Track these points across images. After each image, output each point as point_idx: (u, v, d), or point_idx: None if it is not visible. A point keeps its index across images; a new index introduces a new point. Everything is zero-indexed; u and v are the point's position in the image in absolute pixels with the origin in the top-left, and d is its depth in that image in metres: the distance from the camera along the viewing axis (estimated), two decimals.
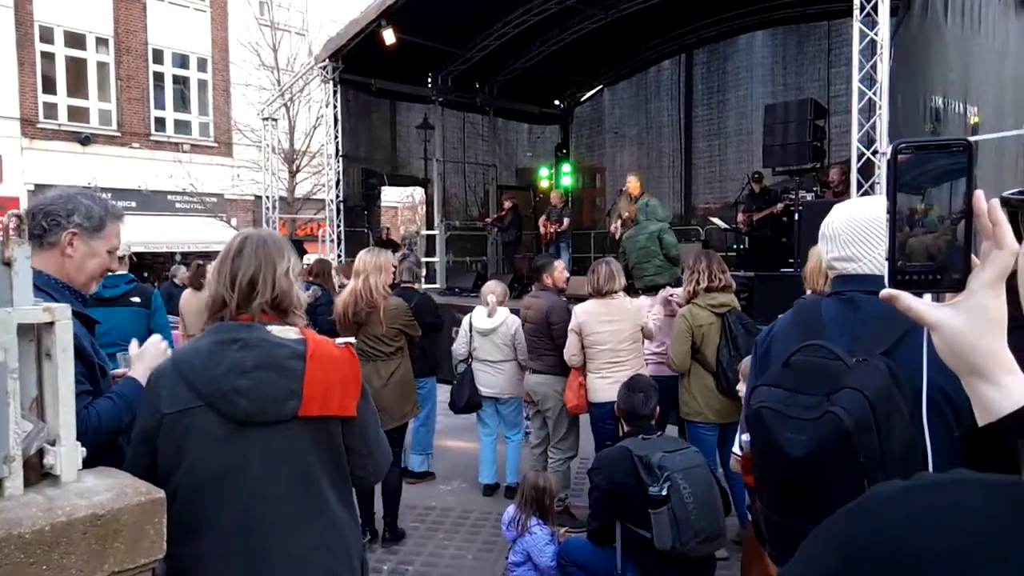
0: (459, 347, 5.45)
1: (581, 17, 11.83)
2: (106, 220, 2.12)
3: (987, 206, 0.78)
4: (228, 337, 1.71)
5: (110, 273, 2.20)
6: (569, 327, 4.63)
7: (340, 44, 11.20)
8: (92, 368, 1.85)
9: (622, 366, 4.43)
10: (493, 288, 5.36)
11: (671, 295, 4.83)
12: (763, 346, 1.86)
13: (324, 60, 11.53)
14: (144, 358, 2.01)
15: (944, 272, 0.79)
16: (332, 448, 1.73)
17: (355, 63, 11.44)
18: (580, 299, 5.01)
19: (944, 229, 0.80)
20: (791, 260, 8.11)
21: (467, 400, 5.32)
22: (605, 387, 4.43)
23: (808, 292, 3.19)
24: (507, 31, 11.84)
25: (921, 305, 0.78)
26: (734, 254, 11.06)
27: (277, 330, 1.74)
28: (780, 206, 9.07)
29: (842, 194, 7.83)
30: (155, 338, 2.11)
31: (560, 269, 5.20)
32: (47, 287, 1.88)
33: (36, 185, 15.53)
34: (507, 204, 12.60)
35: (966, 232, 0.79)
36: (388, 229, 14.49)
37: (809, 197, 9.01)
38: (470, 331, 5.38)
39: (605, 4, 11.38)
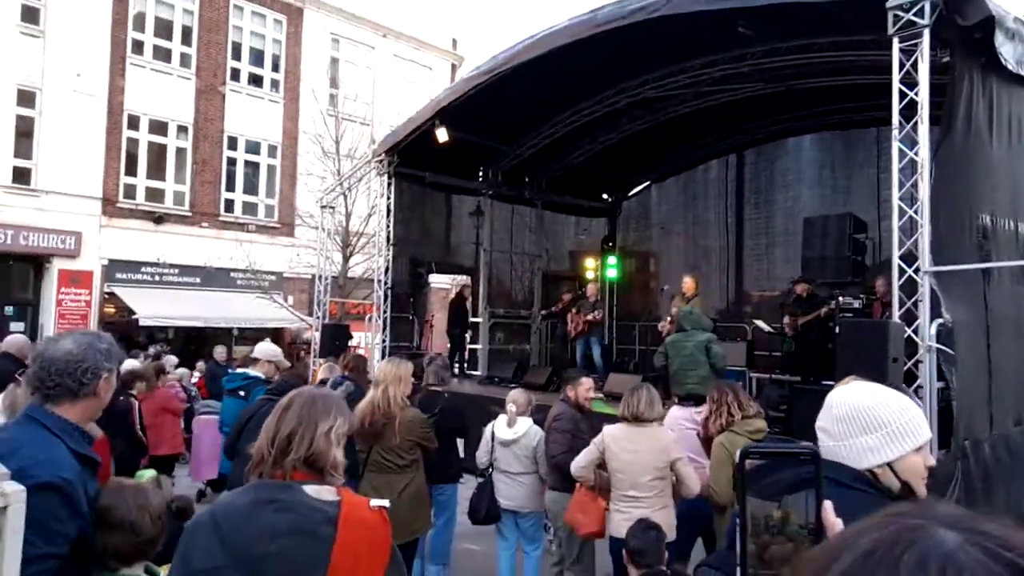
0: (480, 456, 5.42)
1: (629, 118, 12.15)
2: (118, 354, 2.26)
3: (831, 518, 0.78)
4: (267, 497, 1.75)
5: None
6: (593, 440, 4.55)
7: (396, 140, 11.76)
8: (80, 519, 1.92)
9: (641, 502, 4.29)
10: (515, 397, 5.35)
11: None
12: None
13: (381, 154, 12.09)
14: None
15: None
16: None
17: (410, 157, 11.96)
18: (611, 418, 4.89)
19: (803, 540, 0.80)
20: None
21: (486, 512, 5.25)
22: (620, 521, 4.30)
23: None
24: (557, 130, 12.23)
25: None
26: (779, 355, 10.82)
27: (313, 490, 1.78)
28: (824, 310, 8.89)
29: (888, 304, 7.62)
30: None
31: (586, 387, 5.15)
32: (60, 431, 1.99)
33: (110, 260, 16.52)
34: (566, 297, 12.67)
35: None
36: (434, 316, 14.71)
37: (855, 304, 8.82)
38: (492, 440, 5.36)
39: (652, 108, 11.68)
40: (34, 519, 1.66)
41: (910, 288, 6.30)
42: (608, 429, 4.54)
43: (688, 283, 9.70)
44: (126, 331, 15.98)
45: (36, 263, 15.90)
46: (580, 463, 4.54)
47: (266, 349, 6.73)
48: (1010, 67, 6.61)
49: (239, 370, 7.07)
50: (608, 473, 4.46)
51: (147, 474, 6.19)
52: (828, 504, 0.83)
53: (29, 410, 2.05)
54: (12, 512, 1.45)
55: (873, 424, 1.67)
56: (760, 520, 0.82)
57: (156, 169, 17.72)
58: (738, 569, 0.87)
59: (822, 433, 1.68)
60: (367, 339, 13.44)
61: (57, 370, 2.03)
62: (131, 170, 17.24)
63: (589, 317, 11.39)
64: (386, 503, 1.88)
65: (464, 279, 14.84)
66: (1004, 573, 0.47)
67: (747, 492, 0.84)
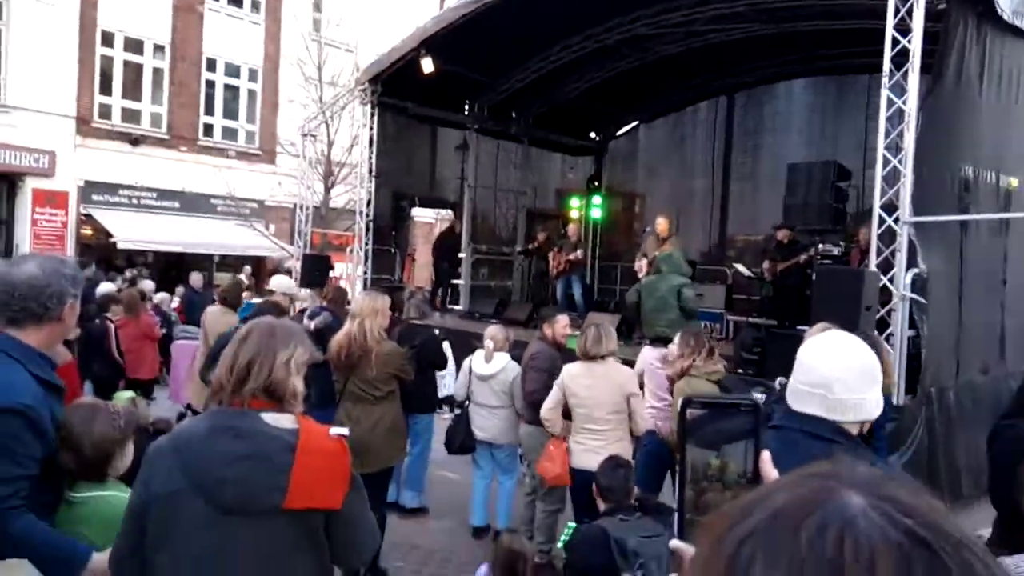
0: (458, 389, 5.51)
1: (619, 56, 11.89)
2: (81, 280, 2.23)
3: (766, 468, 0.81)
4: (224, 424, 1.78)
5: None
6: (555, 382, 4.64)
7: (380, 69, 11.44)
8: (45, 441, 1.93)
9: (598, 435, 4.40)
10: (493, 333, 5.41)
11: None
12: None
13: (364, 83, 11.78)
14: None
15: None
16: (315, 541, 1.79)
17: (394, 87, 11.67)
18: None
19: (741, 488, 0.83)
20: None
21: (461, 443, 5.37)
22: (579, 453, 4.43)
23: None
24: (545, 66, 11.96)
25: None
26: (758, 299, 10.98)
27: (271, 418, 1.79)
28: (804, 257, 8.97)
29: (866, 252, 7.71)
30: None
31: (563, 324, 5.22)
32: (21, 356, 1.97)
33: (86, 181, 16.16)
34: (541, 236, 12.68)
35: None
36: (415, 250, 14.68)
37: (835, 251, 8.91)
38: (469, 374, 5.44)
39: (643, 46, 11.43)
40: None
41: (889, 238, 6.37)
42: (567, 367, 4.65)
43: (662, 223, 9.67)
44: (104, 254, 15.79)
45: (8, 181, 15.50)
46: (548, 405, 4.65)
47: (280, 282, 6.77)
48: (1006, 16, 6.53)
49: (254, 300, 7.09)
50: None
51: (124, 395, 6.23)
52: (766, 454, 0.86)
53: None
54: None
55: (877, 377, 1.76)
56: (699, 468, 0.84)
57: (132, 89, 17.15)
58: (675, 515, 0.90)
59: (839, 385, 1.68)
60: (348, 270, 13.39)
61: (20, 295, 1.99)
62: (106, 89, 16.67)
63: (571, 256, 11.42)
64: (345, 431, 1.91)
65: (448, 213, 14.73)
66: (903, 540, 0.47)
67: (688, 440, 0.86)
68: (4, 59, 15.06)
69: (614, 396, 4.45)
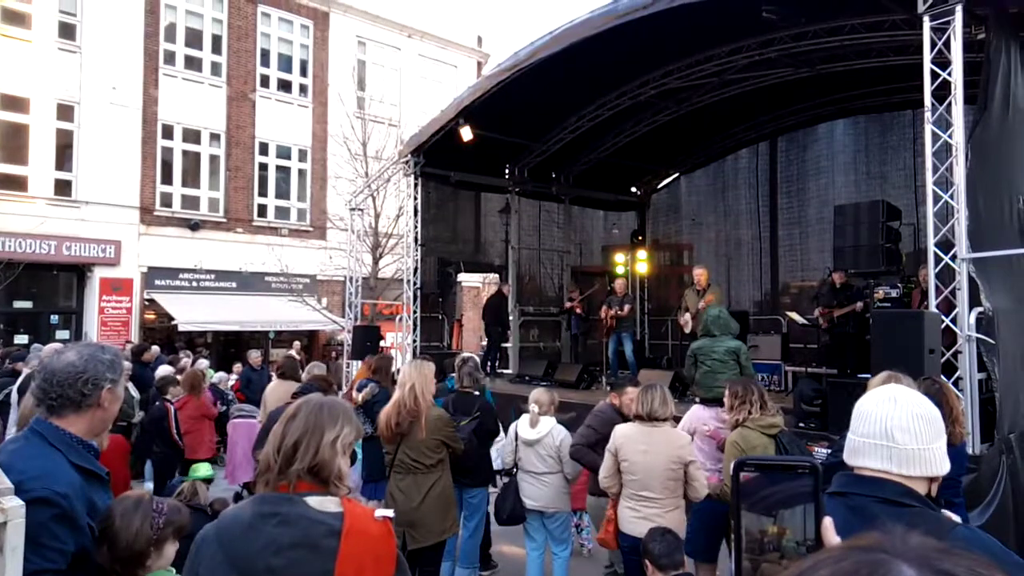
0: (505, 456, 5.39)
1: (655, 110, 11.98)
2: (121, 366, 2.27)
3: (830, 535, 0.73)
4: (269, 511, 1.75)
5: None
6: (607, 448, 4.48)
7: (421, 141, 11.79)
8: (80, 534, 1.92)
9: (653, 503, 4.20)
10: (538, 397, 5.30)
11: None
12: None
13: (407, 155, 12.14)
14: None
15: None
16: None
17: (435, 157, 11.98)
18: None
19: (800, 558, 0.75)
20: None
21: (510, 512, 5.22)
22: (630, 520, 4.24)
23: None
24: (582, 125, 12.13)
25: None
26: (815, 347, 10.58)
27: (316, 502, 1.77)
28: (860, 305, 8.64)
29: (927, 293, 7.38)
30: None
31: (630, 397, 5.02)
32: (60, 444, 1.99)
33: (149, 267, 16.92)
34: (575, 295, 12.66)
35: None
36: (463, 315, 14.74)
37: (894, 293, 8.55)
38: (515, 440, 5.32)
39: (678, 98, 11.49)
40: (27, 534, 1.67)
41: (947, 276, 6.08)
42: (620, 428, 4.45)
43: (699, 274, 9.52)
44: (167, 337, 16.36)
45: (78, 272, 16.36)
46: (603, 473, 4.45)
47: None
48: None
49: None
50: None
51: (202, 468, 6.33)
52: (828, 520, 0.78)
53: (35, 423, 2.07)
54: (12, 528, 1.46)
55: (941, 429, 1.61)
56: (755, 535, 0.76)
57: (191, 176, 18.07)
58: None
59: (901, 433, 1.55)
60: (398, 339, 13.51)
61: (59, 382, 2.03)
62: (167, 178, 17.61)
63: (618, 312, 11.28)
64: (391, 513, 1.87)
65: (494, 277, 14.83)
66: None
67: (741, 505, 0.78)
68: (76, 159, 16.12)
69: (672, 463, 4.22)
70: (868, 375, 7.40)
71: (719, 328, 6.74)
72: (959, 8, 5.89)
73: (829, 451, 4.76)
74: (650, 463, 4.24)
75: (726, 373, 6.61)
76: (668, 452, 4.23)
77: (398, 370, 6.46)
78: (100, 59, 16.31)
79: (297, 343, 16.55)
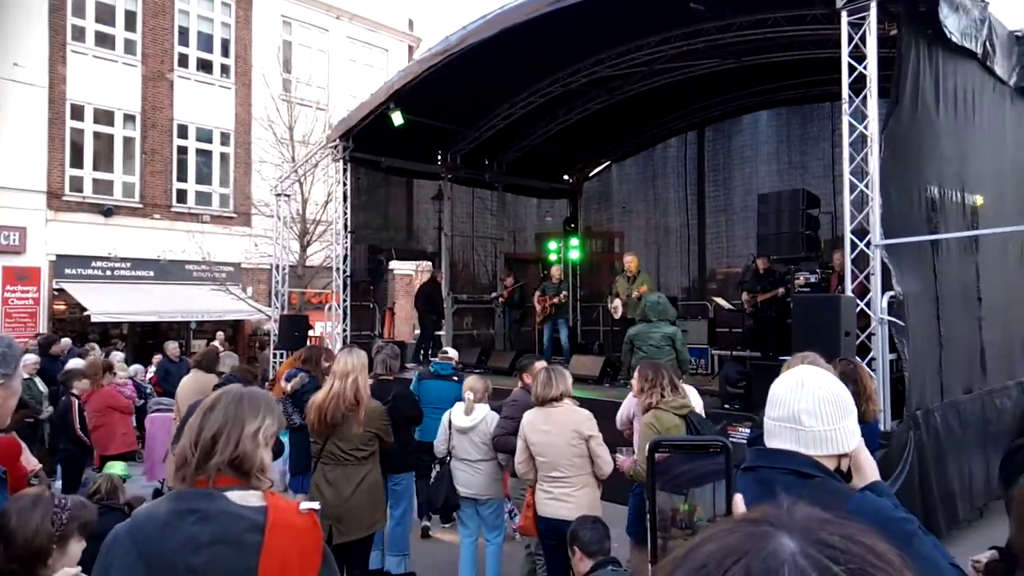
0: (438, 445, 5.34)
1: (587, 98, 12.07)
2: (15, 359, 2.11)
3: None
4: (186, 507, 1.66)
5: None
6: (518, 434, 4.50)
7: (350, 125, 11.52)
8: None
9: (562, 483, 4.24)
10: (472, 384, 5.27)
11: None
12: None
13: (335, 140, 11.84)
14: None
15: None
16: None
17: (365, 142, 11.73)
18: None
19: None
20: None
21: (444, 500, 5.18)
22: (545, 502, 4.28)
23: None
24: (514, 112, 12.10)
25: None
26: (740, 331, 10.94)
27: (238, 496, 1.69)
28: (782, 290, 8.97)
29: (843, 278, 7.73)
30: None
31: (539, 370, 5.09)
32: None
33: (58, 255, 15.97)
34: (509, 282, 12.69)
35: None
36: (395, 304, 14.57)
37: (813, 279, 8.90)
38: (449, 428, 5.28)
39: (610, 87, 11.61)
40: None
41: (862, 262, 6.37)
42: (526, 415, 4.48)
43: (630, 261, 9.79)
44: (80, 329, 15.51)
45: None
46: (517, 459, 4.49)
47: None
48: (955, 39, 6.66)
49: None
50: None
51: (117, 466, 5.97)
52: (738, 497, 0.79)
53: None
54: None
55: (849, 407, 1.69)
56: (667, 513, 0.76)
57: (103, 160, 17.11)
58: (649, 565, 0.83)
59: (808, 416, 1.62)
60: (328, 328, 13.23)
61: None
62: (77, 162, 16.60)
63: (555, 300, 11.35)
64: (316, 505, 1.80)
65: (427, 265, 14.69)
66: None
67: (656, 484, 0.79)
68: None
69: (572, 440, 4.26)
70: (789, 357, 7.72)
71: (656, 314, 6.87)
72: (874, 4, 6.14)
73: (751, 431, 4.93)
74: (553, 442, 4.28)
75: (662, 359, 6.77)
76: (567, 428, 4.28)
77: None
78: (1, 33, 15.20)
79: (221, 333, 15.96)
